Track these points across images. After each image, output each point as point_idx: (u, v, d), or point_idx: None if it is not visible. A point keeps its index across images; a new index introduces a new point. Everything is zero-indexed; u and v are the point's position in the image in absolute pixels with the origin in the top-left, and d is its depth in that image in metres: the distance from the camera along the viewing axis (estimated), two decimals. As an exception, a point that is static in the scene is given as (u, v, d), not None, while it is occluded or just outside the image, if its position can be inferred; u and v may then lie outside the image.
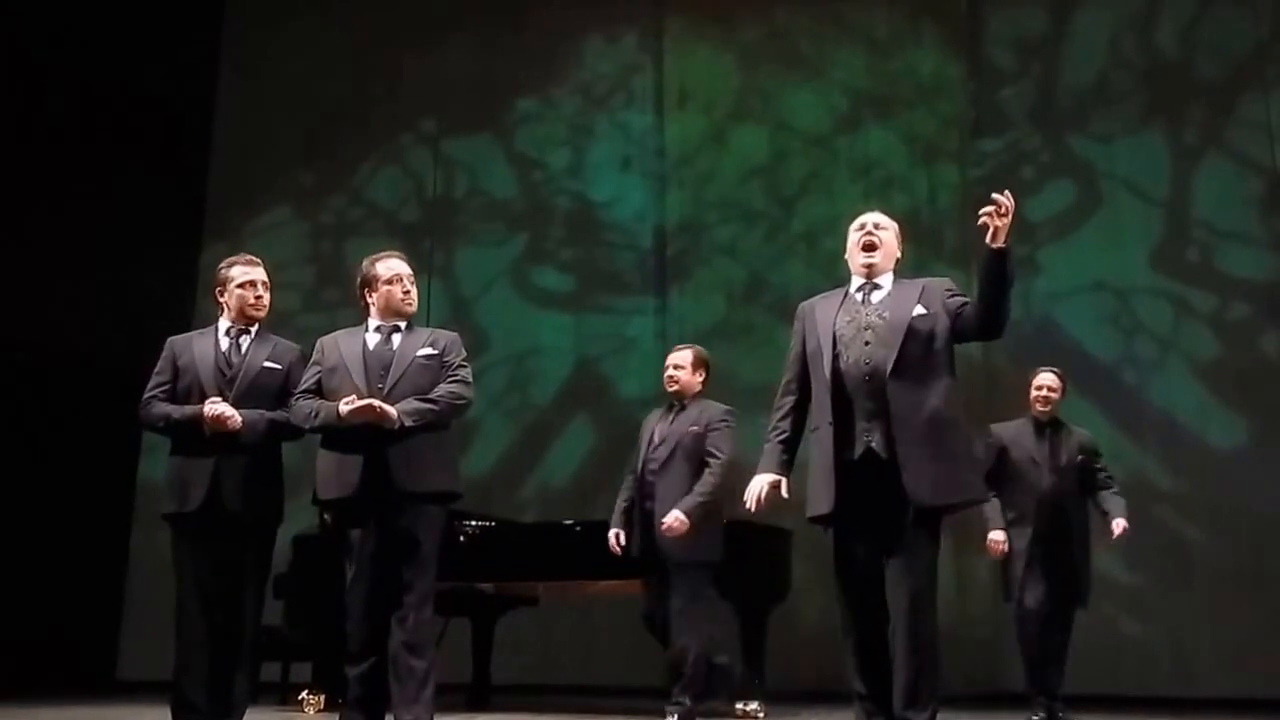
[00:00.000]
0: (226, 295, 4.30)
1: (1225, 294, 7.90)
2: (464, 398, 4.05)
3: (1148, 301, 8.02)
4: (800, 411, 3.74)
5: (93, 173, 8.86)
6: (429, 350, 4.06)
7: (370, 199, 9.97)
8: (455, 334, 4.24)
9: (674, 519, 4.86)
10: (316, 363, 4.13)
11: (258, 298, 4.29)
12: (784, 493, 3.69)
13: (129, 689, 8.35)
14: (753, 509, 3.68)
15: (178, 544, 4.11)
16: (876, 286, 3.71)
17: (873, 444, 3.50)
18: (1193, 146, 8.18)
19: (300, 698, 6.05)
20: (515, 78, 9.75)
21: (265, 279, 4.33)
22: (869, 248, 3.72)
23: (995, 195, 3.41)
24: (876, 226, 3.76)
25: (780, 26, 9.27)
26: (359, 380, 3.97)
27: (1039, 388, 5.51)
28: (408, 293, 4.15)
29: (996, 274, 3.45)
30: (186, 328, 10.07)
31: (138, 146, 9.25)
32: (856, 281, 3.75)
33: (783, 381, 3.80)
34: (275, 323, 10.39)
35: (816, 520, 3.61)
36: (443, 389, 4.00)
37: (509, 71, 9.74)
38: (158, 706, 6.07)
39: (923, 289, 3.66)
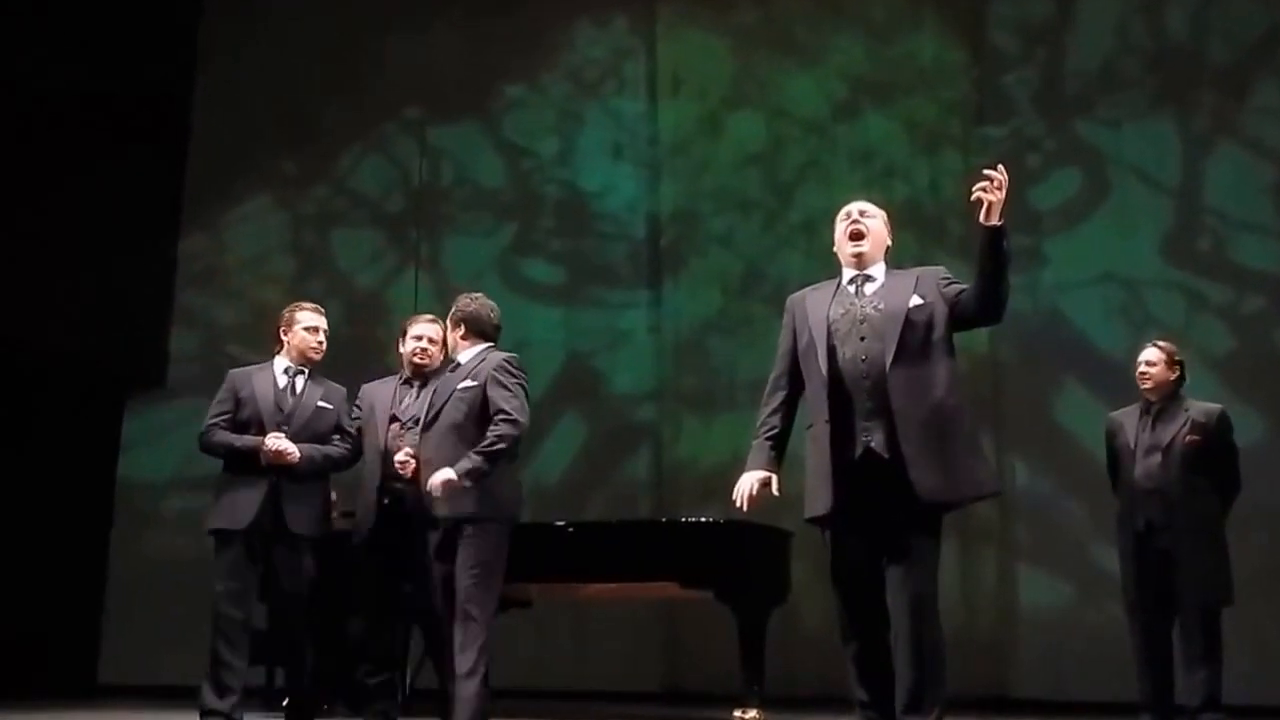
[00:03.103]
0: (290, 335, 4.94)
1: (1239, 285, 7.84)
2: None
3: (1159, 293, 7.96)
4: (790, 407, 3.75)
5: (65, 160, 8.79)
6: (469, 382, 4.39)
7: (353, 188, 9.94)
8: (502, 355, 4.50)
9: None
10: None
11: (319, 343, 4.96)
12: (774, 490, 3.67)
13: (110, 693, 8.34)
14: (743, 507, 3.66)
15: (221, 557, 4.71)
16: (869, 278, 3.71)
17: (873, 444, 3.49)
18: (1204, 133, 8.13)
19: (285, 703, 5.97)
20: (503, 63, 9.71)
21: (326, 327, 5.01)
22: (856, 236, 3.73)
23: (988, 170, 3.40)
24: (863, 214, 3.77)
25: (776, 10, 9.24)
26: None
27: (1138, 364, 5.14)
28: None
29: (994, 252, 3.45)
30: (164, 320, 10.03)
31: (114, 134, 9.20)
32: (848, 273, 3.75)
33: (772, 376, 3.80)
34: (255, 316, 10.28)
35: (814, 521, 3.60)
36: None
37: (496, 57, 9.69)
38: (139, 711, 6.04)
39: (917, 279, 3.66)
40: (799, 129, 9.05)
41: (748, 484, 3.65)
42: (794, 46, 9.13)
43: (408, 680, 7.12)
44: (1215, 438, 5.03)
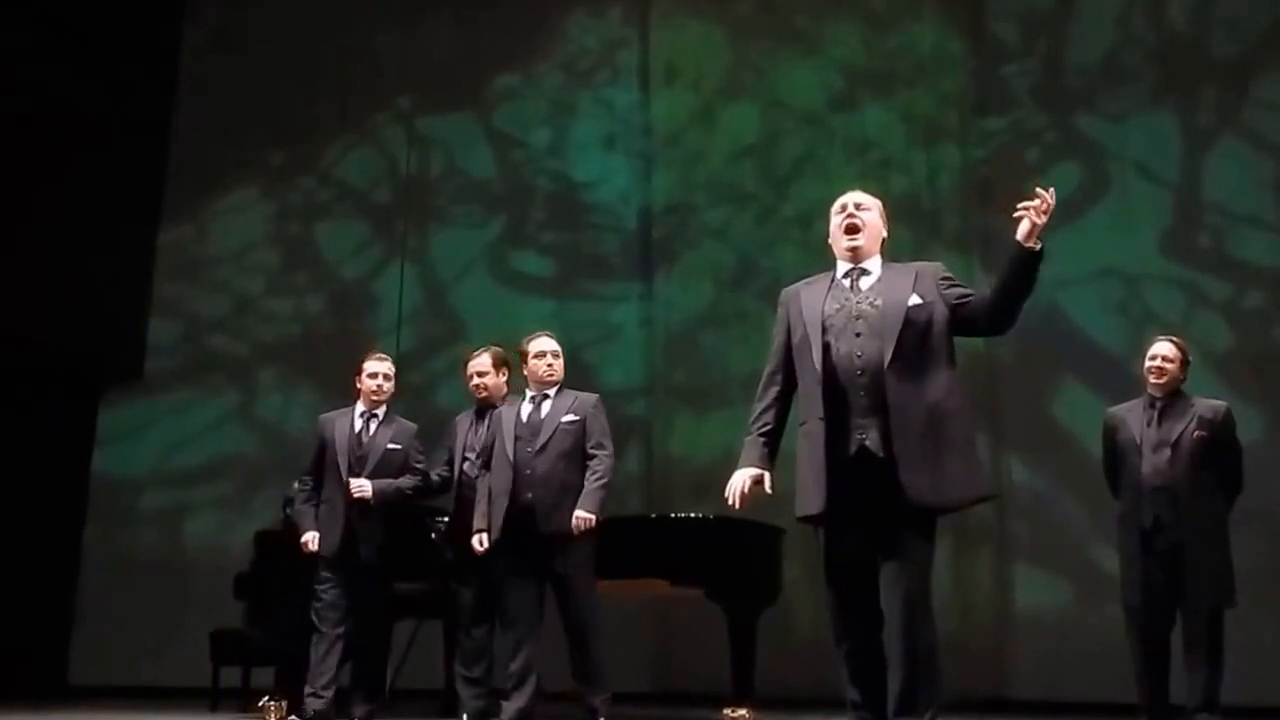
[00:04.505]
0: (360, 381, 5.62)
1: (1240, 281, 7.85)
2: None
3: (1158, 289, 7.96)
4: (784, 403, 3.70)
5: (45, 148, 8.72)
6: (572, 417, 5.17)
7: (341, 179, 9.92)
8: (595, 397, 5.26)
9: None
10: None
11: (379, 386, 5.63)
12: (768, 488, 3.63)
13: (81, 695, 8.27)
14: (736, 505, 3.62)
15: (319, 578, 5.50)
16: (865, 272, 3.66)
17: (867, 442, 3.45)
18: (1206, 127, 8.12)
19: (261, 704, 5.95)
20: (494, 52, 9.69)
21: (388, 371, 5.67)
22: (852, 230, 3.68)
23: (1039, 190, 3.41)
24: (858, 207, 3.71)
25: (773, -1, 9.21)
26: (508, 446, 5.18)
27: (1152, 358, 5.05)
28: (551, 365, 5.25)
29: (1025, 273, 3.45)
30: (143, 313, 9.94)
31: (95, 122, 9.12)
32: (843, 267, 3.70)
33: (766, 371, 3.75)
34: (237, 308, 10.21)
35: (806, 520, 3.56)
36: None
37: (488, 46, 9.67)
38: (111, 713, 6.00)
39: (916, 275, 3.61)
40: (795, 120, 9.04)
41: (740, 481, 3.60)
42: (790, 36, 9.12)
43: (389, 681, 7.10)
44: (1221, 435, 5.01)
